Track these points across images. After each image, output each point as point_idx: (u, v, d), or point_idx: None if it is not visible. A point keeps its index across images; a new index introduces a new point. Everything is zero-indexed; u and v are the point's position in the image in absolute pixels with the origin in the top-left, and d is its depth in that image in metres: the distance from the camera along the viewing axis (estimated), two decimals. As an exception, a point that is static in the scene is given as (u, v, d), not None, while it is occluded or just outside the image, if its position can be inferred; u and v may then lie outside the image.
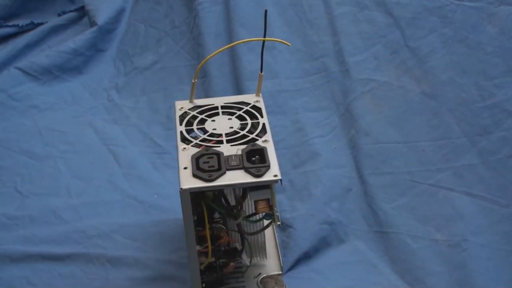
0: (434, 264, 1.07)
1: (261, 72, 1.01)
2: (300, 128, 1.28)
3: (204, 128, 0.96)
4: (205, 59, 1.09)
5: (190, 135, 0.95)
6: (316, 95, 1.32)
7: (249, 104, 1.01)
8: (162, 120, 1.41)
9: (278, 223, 0.91)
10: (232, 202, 0.94)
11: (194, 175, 0.87)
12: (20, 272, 1.10)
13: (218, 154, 0.89)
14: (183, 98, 1.04)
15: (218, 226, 0.96)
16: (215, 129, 0.96)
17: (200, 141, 0.94)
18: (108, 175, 1.29)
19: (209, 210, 0.92)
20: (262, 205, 0.89)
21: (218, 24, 1.43)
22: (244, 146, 0.91)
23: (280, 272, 1.05)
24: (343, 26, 1.34)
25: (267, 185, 0.87)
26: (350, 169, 1.22)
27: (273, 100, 1.29)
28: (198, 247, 0.93)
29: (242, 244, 0.98)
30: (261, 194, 0.88)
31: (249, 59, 1.34)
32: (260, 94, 1.03)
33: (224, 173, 0.87)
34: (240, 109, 1.00)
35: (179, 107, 1.01)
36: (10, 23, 1.70)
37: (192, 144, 0.93)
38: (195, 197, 0.90)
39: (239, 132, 0.95)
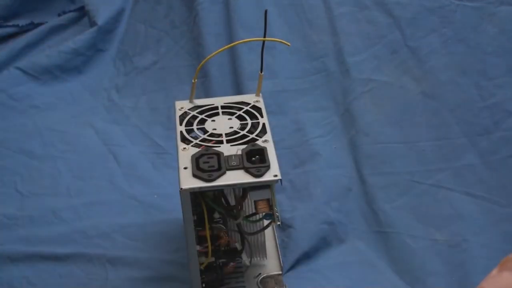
0: (434, 264, 1.07)
1: (261, 72, 1.01)
2: (300, 128, 1.28)
3: (204, 128, 0.96)
4: (205, 59, 1.09)
5: (190, 135, 0.95)
6: (316, 95, 1.32)
7: (249, 104, 1.01)
8: (162, 120, 1.41)
9: (278, 223, 0.91)
10: (232, 202, 0.94)
11: (194, 175, 0.87)
12: (20, 272, 1.09)
13: (218, 154, 0.89)
14: (183, 98, 1.04)
15: (218, 226, 0.96)
16: (215, 129, 0.96)
17: (200, 141, 0.94)
18: (108, 175, 1.29)
19: (209, 210, 0.92)
20: (262, 205, 0.89)
21: (218, 24, 1.43)
22: (244, 146, 0.91)
23: (280, 272, 1.05)
24: (343, 26, 1.34)
25: (267, 185, 0.87)
26: (350, 169, 1.22)
27: (273, 100, 1.29)
28: (198, 247, 0.93)
29: (242, 244, 0.98)
30: (261, 194, 0.88)
31: (249, 59, 1.34)
32: (260, 94, 1.03)
33: (224, 173, 0.87)
34: (240, 109, 1.00)
35: (179, 107, 1.01)
36: (10, 23, 1.69)
37: (192, 144, 0.93)
38: (195, 197, 0.90)
39: (239, 132, 0.95)
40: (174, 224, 1.15)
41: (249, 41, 1.21)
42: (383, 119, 1.24)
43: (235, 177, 0.87)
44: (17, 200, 1.24)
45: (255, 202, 0.89)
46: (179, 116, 0.99)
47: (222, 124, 0.97)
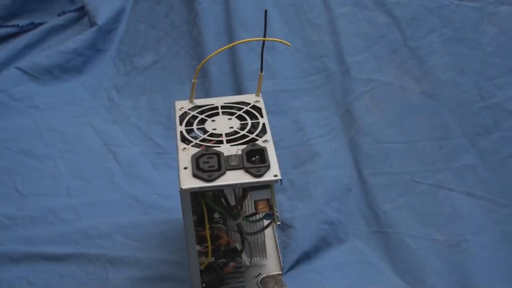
0: (434, 264, 1.07)
1: (261, 72, 1.01)
2: (300, 128, 1.28)
3: (204, 128, 0.96)
4: (205, 59, 1.09)
5: (190, 135, 0.95)
6: (316, 95, 1.32)
7: (249, 104, 1.01)
8: (162, 120, 1.41)
9: (278, 223, 0.91)
10: (232, 202, 0.94)
11: (194, 175, 0.87)
12: (20, 272, 1.10)
13: (218, 154, 0.89)
14: (183, 98, 1.04)
15: (218, 226, 0.96)
16: (215, 129, 0.96)
17: (200, 141, 0.94)
18: (108, 175, 1.29)
19: (209, 210, 0.92)
20: (262, 205, 0.89)
21: (218, 24, 1.43)
22: (244, 146, 0.91)
23: (280, 272, 1.05)
24: (343, 26, 1.34)
25: (267, 185, 0.87)
26: (350, 169, 1.22)
27: (273, 100, 1.29)
28: (198, 247, 0.93)
29: (242, 244, 0.98)
30: (261, 194, 0.88)
31: (249, 59, 1.34)
32: (260, 94, 1.03)
33: (224, 173, 0.87)
34: (240, 109, 1.00)
35: (179, 107, 1.01)
36: (10, 23, 1.70)
37: (192, 144, 0.93)
38: (195, 197, 0.90)
39: (239, 132, 0.95)
40: (174, 224, 1.15)
41: (249, 41, 1.21)
42: (383, 119, 1.24)
43: (235, 177, 0.87)
44: (17, 200, 1.24)
45: (255, 202, 0.89)
46: (179, 116, 0.99)
47: (222, 124, 0.97)
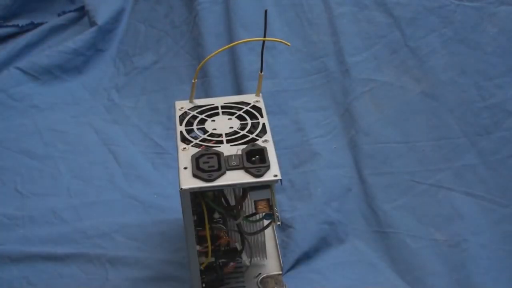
0: (434, 264, 1.07)
1: (261, 72, 1.01)
2: (300, 128, 1.28)
3: (204, 128, 0.96)
4: (205, 59, 1.09)
5: (190, 135, 0.95)
6: (316, 95, 1.32)
7: (249, 104, 1.01)
8: (162, 120, 1.41)
9: (278, 223, 0.91)
10: (232, 202, 0.94)
11: (194, 175, 0.87)
12: (20, 272, 1.10)
13: (218, 154, 0.89)
14: (183, 98, 1.04)
15: (218, 226, 0.96)
16: (215, 129, 0.96)
17: (200, 141, 0.94)
18: (108, 175, 1.29)
19: (209, 210, 0.92)
20: (262, 205, 0.89)
21: (218, 24, 1.43)
22: (244, 146, 0.91)
23: (280, 272, 1.05)
24: (343, 26, 1.34)
25: (267, 185, 0.87)
26: (350, 169, 1.22)
27: (273, 100, 1.29)
28: (198, 247, 0.93)
29: (242, 244, 0.98)
30: (261, 194, 0.88)
31: (249, 59, 1.34)
32: (260, 94, 1.03)
33: (224, 173, 0.87)
34: (240, 109, 1.00)
35: (179, 107, 1.01)
36: (10, 23, 1.70)
37: (192, 144, 0.93)
38: (195, 197, 0.90)
39: (239, 132, 0.95)
40: (174, 224, 1.15)
41: (249, 41, 1.21)
42: (383, 119, 1.24)
43: (235, 177, 0.87)
44: (17, 200, 1.24)
45: (255, 202, 0.89)
46: (179, 116, 0.99)
47: (222, 124, 0.97)
